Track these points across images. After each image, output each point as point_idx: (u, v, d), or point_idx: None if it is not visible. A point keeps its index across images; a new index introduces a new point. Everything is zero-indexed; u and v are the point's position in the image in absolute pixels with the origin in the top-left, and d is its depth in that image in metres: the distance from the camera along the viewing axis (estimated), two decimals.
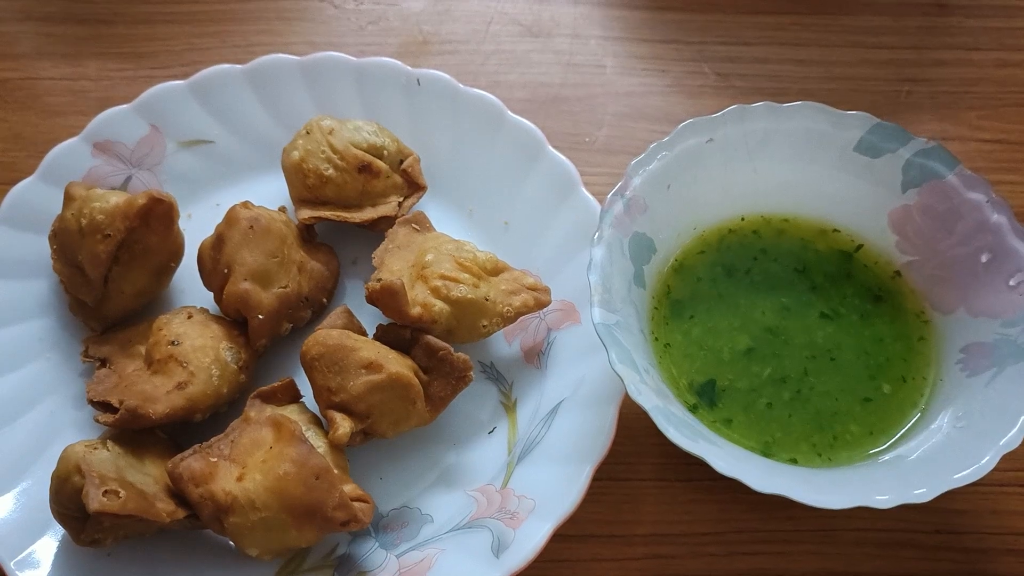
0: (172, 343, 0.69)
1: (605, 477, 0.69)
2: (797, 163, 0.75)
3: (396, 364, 0.68)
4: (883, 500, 0.58)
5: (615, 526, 0.71)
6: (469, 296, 0.71)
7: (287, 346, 0.75)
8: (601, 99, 0.91)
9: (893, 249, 0.75)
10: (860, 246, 0.76)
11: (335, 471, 0.64)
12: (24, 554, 0.64)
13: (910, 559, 0.69)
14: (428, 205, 0.82)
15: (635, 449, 0.73)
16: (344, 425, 0.66)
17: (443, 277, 0.71)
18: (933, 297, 0.73)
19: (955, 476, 0.59)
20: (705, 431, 0.65)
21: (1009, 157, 0.88)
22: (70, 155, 0.81)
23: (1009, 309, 0.67)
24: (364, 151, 0.78)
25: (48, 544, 0.65)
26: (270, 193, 0.82)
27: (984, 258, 0.69)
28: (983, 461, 0.59)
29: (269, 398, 0.70)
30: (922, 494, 0.58)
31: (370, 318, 0.74)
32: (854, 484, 0.62)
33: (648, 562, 0.69)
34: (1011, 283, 0.67)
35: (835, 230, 0.76)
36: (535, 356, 0.75)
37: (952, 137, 0.89)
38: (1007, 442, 0.60)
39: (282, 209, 0.82)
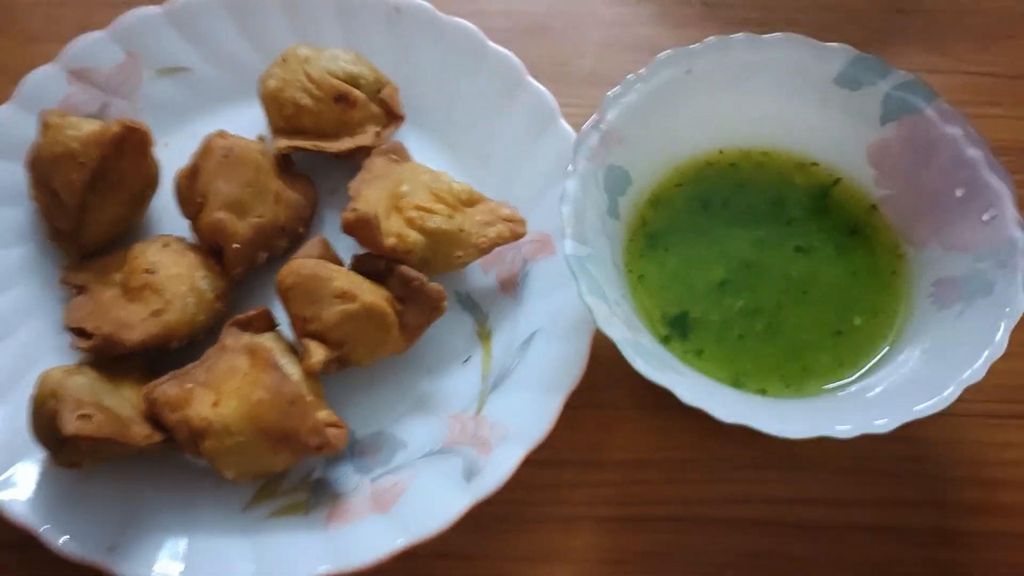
0: (147, 271, 0.69)
1: (580, 404, 0.70)
2: (777, 96, 0.74)
3: (370, 294, 0.68)
4: (844, 430, 0.59)
5: (591, 452, 0.72)
6: (444, 227, 0.71)
7: (264, 275, 0.75)
8: (585, 28, 0.90)
9: (871, 183, 0.75)
10: (838, 180, 0.76)
11: (309, 398, 0.65)
12: (4, 476, 0.65)
13: (879, 486, 0.71)
14: (407, 136, 0.82)
15: (611, 378, 0.73)
16: (318, 353, 0.66)
17: (418, 208, 0.72)
18: (908, 231, 0.73)
19: (916, 408, 0.60)
20: (675, 362, 0.66)
21: (995, 89, 0.87)
22: (46, 82, 0.80)
23: (981, 243, 0.67)
24: (341, 80, 0.77)
25: (28, 467, 0.66)
26: (248, 122, 0.81)
27: (959, 192, 0.69)
28: (944, 393, 0.60)
29: (246, 326, 0.70)
30: (883, 424, 0.59)
31: (347, 248, 0.74)
32: (818, 414, 0.63)
33: (622, 488, 0.71)
34: (984, 218, 0.67)
35: (814, 163, 0.76)
36: (511, 287, 0.76)
37: (940, 70, 0.88)
38: (970, 375, 0.60)
39: (260, 138, 0.82)
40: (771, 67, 0.73)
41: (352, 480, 0.68)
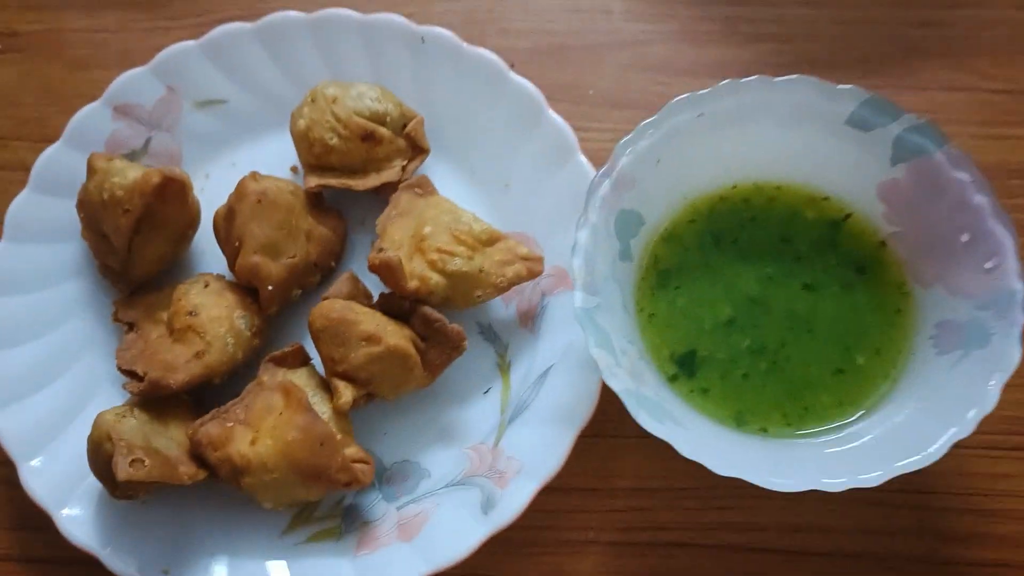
0: (190, 313, 0.74)
1: (591, 434, 0.74)
2: (789, 133, 0.75)
3: (394, 336, 0.73)
4: (834, 484, 0.62)
5: (599, 479, 0.77)
6: (464, 269, 0.75)
7: (299, 307, 0.81)
8: (606, 48, 0.91)
9: (880, 219, 0.76)
10: (849, 215, 0.77)
11: (338, 436, 0.71)
12: (69, 502, 0.73)
13: (873, 515, 0.75)
14: (431, 166, 0.85)
15: (620, 408, 0.77)
16: (346, 394, 0.72)
17: (439, 251, 0.75)
18: (915, 269, 0.75)
19: (900, 463, 0.63)
20: (677, 405, 0.70)
21: (1018, 109, 0.87)
22: (92, 119, 0.85)
23: (983, 291, 0.69)
24: (367, 119, 0.81)
25: (89, 493, 0.74)
26: (283, 151, 0.85)
27: (964, 237, 0.71)
28: (931, 449, 0.63)
29: (281, 362, 0.76)
30: (871, 479, 0.62)
31: (376, 282, 0.78)
32: (811, 463, 0.67)
33: (628, 514, 0.76)
34: (987, 266, 0.69)
35: (825, 198, 0.78)
36: (529, 320, 0.80)
37: (961, 87, 0.88)
38: (957, 432, 0.63)
39: (294, 169, 0.86)
40: (784, 108, 0.74)
41: (380, 508, 0.74)
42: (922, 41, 0.90)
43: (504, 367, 0.79)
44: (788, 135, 0.76)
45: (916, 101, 0.87)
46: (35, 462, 0.74)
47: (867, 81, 0.88)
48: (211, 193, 0.83)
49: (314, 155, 0.81)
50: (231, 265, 0.77)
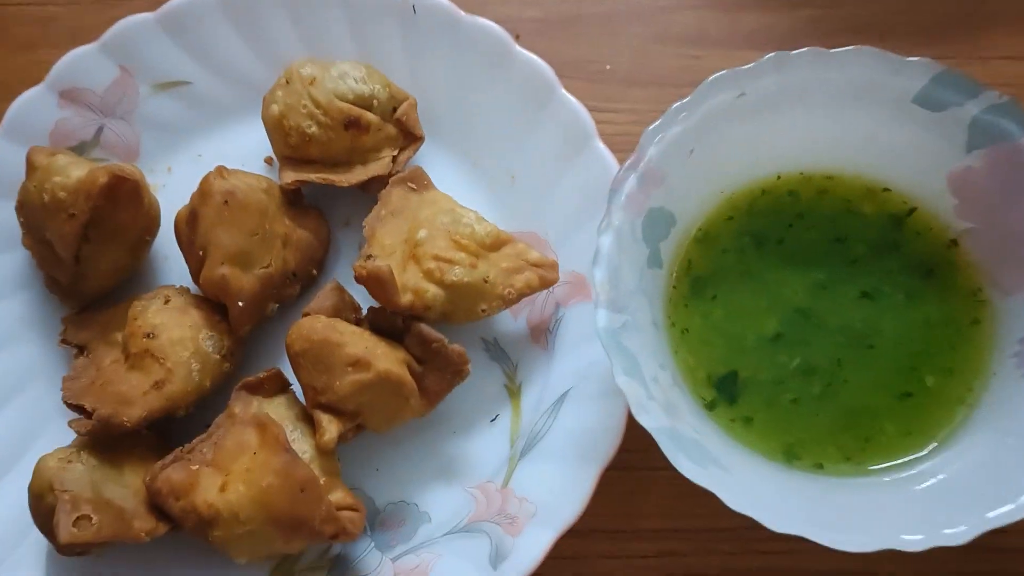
0: (148, 335, 0.64)
1: (612, 467, 0.64)
2: (844, 115, 0.65)
3: (385, 360, 0.62)
4: (913, 541, 0.52)
5: (622, 519, 0.67)
6: (465, 279, 0.65)
7: (276, 324, 0.70)
8: (624, 17, 0.80)
9: (951, 214, 0.65)
10: (913, 209, 0.66)
11: (322, 480, 0.61)
12: (12, 558, 0.63)
13: (937, 558, 0.64)
14: (426, 155, 0.74)
15: (645, 434, 0.67)
16: (331, 429, 0.62)
17: (437, 258, 0.65)
18: (993, 273, 0.64)
19: (991, 514, 0.53)
20: (719, 440, 0.60)
21: None
22: (35, 107, 0.74)
23: None
24: (351, 103, 0.70)
25: (35, 546, 0.64)
26: (255, 141, 0.75)
27: None
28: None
29: (255, 389, 0.66)
30: (956, 534, 0.53)
31: (365, 291, 0.68)
32: (881, 514, 0.57)
33: (656, 559, 0.66)
34: None
35: (885, 189, 0.67)
36: (542, 335, 0.69)
37: None
38: None
39: (268, 161, 0.76)
40: (839, 85, 0.63)
41: (373, 558, 0.64)
42: (986, 5, 0.78)
43: (513, 390, 0.69)
44: (843, 117, 0.65)
45: (982, 73, 0.75)
46: None
47: (924, 52, 0.75)
48: (174, 189, 0.73)
49: (290, 146, 0.70)
50: (195, 277, 0.67)
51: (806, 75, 0.63)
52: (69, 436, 0.65)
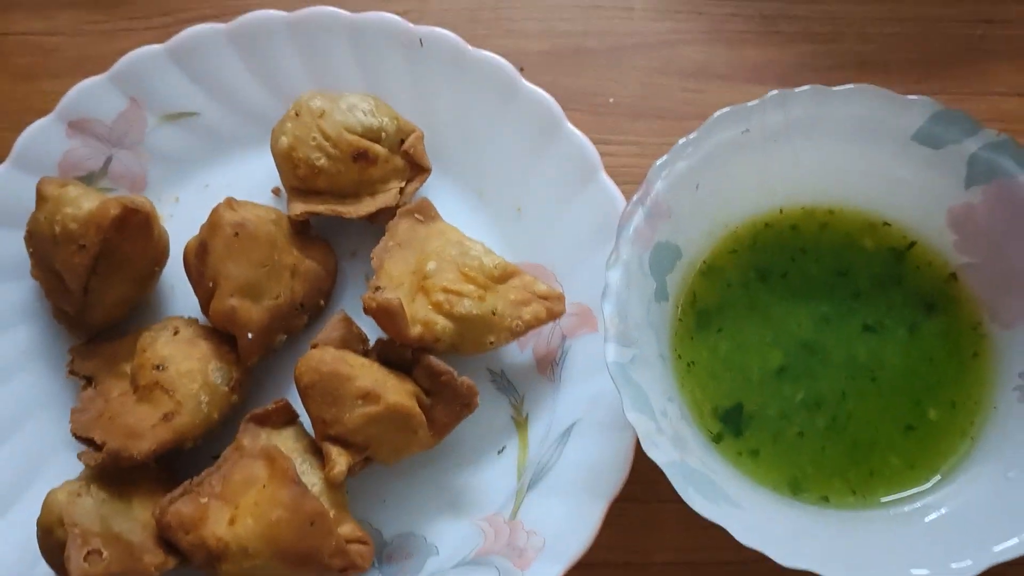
0: (157, 367, 0.64)
1: (621, 499, 0.65)
2: (846, 151, 0.66)
3: (394, 393, 0.63)
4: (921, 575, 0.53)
5: (631, 553, 0.67)
6: (474, 312, 0.65)
7: (284, 355, 0.70)
8: (628, 51, 0.81)
9: (951, 248, 0.66)
10: (913, 243, 0.67)
11: (331, 514, 0.61)
12: None
13: None
14: (433, 187, 0.75)
15: (653, 467, 0.67)
16: (340, 462, 0.62)
17: (446, 290, 0.65)
18: (993, 307, 0.65)
19: (998, 548, 0.53)
20: (724, 479, 0.60)
21: None
22: (44, 137, 0.74)
23: None
24: (359, 135, 0.70)
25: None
26: (262, 171, 0.75)
27: None
28: None
29: (264, 421, 0.66)
30: (964, 569, 0.53)
31: (372, 322, 0.68)
32: (889, 547, 0.57)
33: None
34: None
35: (886, 224, 0.68)
36: (548, 366, 0.70)
37: None
38: None
39: (275, 191, 0.76)
40: (841, 122, 0.64)
41: None
42: (985, 41, 0.79)
43: (520, 422, 0.69)
44: (845, 153, 0.66)
45: (981, 109, 0.77)
46: None
47: (924, 86, 0.78)
48: (181, 220, 0.73)
49: (299, 177, 0.70)
50: (204, 309, 0.67)
51: (808, 112, 0.64)
52: (75, 468, 0.65)
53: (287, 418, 0.66)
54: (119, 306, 0.69)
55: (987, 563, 0.53)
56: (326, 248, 0.73)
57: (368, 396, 0.62)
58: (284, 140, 0.70)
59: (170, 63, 0.76)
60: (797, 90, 0.63)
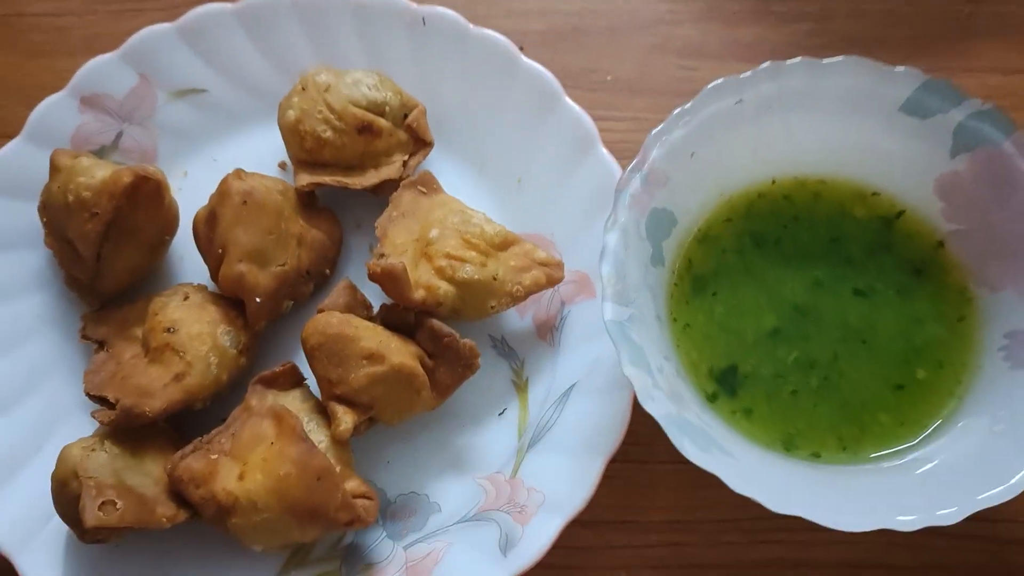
0: (168, 330, 0.66)
1: (619, 459, 0.66)
2: (836, 122, 0.68)
3: (398, 354, 0.65)
4: (907, 521, 0.55)
5: (629, 511, 0.69)
6: (476, 276, 0.67)
7: (290, 321, 0.72)
8: (625, 29, 0.83)
9: (938, 216, 0.68)
10: (902, 212, 0.69)
11: (337, 469, 0.62)
12: (30, 547, 0.64)
13: (938, 549, 0.67)
14: (435, 160, 0.77)
15: (650, 429, 0.68)
16: (346, 420, 0.63)
17: (448, 256, 0.67)
18: (979, 272, 0.67)
19: (981, 496, 0.55)
20: (722, 431, 0.62)
21: None
22: (56, 112, 0.76)
23: None
24: (364, 109, 0.72)
25: (55, 535, 0.65)
26: (269, 146, 0.78)
27: None
28: (1013, 480, 0.55)
29: (271, 383, 0.68)
30: (948, 515, 0.55)
31: (377, 291, 0.70)
32: (877, 496, 0.59)
33: (664, 549, 0.68)
34: None
35: (875, 193, 0.70)
36: (548, 332, 0.72)
37: (1018, 69, 0.80)
38: None
39: (282, 165, 0.78)
40: (831, 93, 0.66)
41: (385, 547, 0.66)
42: (973, 19, 0.82)
43: (521, 385, 0.71)
44: (835, 123, 0.68)
45: (968, 85, 0.77)
46: None
47: (914, 63, 0.79)
48: (190, 193, 0.75)
49: (305, 150, 0.72)
50: (214, 275, 0.69)
51: (799, 83, 0.66)
52: (86, 430, 0.67)
53: (294, 380, 0.68)
54: (130, 273, 0.71)
55: (971, 509, 0.55)
56: (332, 219, 0.75)
57: (373, 357, 0.64)
58: (291, 113, 0.72)
59: (179, 41, 0.78)
60: (789, 62, 0.65)
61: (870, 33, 0.81)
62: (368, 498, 0.63)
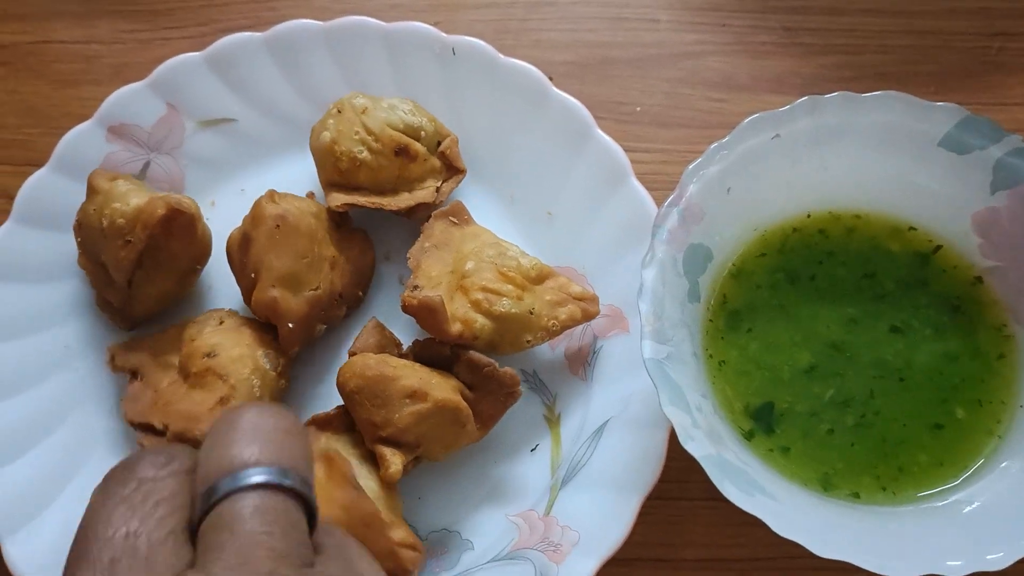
0: (208, 355, 0.65)
1: (653, 496, 0.66)
2: (873, 157, 0.67)
3: (440, 389, 0.64)
4: (956, 567, 0.54)
5: (663, 549, 0.68)
6: (513, 311, 0.66)
7: (324, 343, 0.72)
8: (653, 61, 0.83)
9: (975, 252, 0.68)
10: (939, 247, 0.69)
11: (384, 516, 0.61)
12: None
13: None
14: (466, 190, 0.76)
15: (685, 465, 0.68)
16: (395, 462, 0.62)
17: (484, 290, 0.67)
18: (1018, 309, 0.67)
19: None
20: (761, 470, 0.61)
21: None
22: (84, 141, 0.75)
23: None
24: (401, 132, 0.72)
25: None
26: (297, 176, 0.77)
27: None
28: None
29: (325, 426, 0.67)
30: (997, 559, 0.54)
31: (404, 325, 0.70)
32: (921, 540, 0.58)
33: None
34: None
35: (911, 228, 0.70)
36: (580, 366, 0.71)
37: None
38: None
39: (310, 195, 0.77)
40: (868, 128, 0.66)
41: None
42: (1001, 54, 0.81)
43: (553, 420, 0.70)
44: (871, 158, 0.68)
45: (999, 119, 0.77)
46: (20, 536, 0.65)
47: (942, 98, 0.79)
48: (218, 223, 0.74)
49: (340, 171, 0.71)
50: (247, 299, 0.68)
51: (837, 118, 0.66)
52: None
53: (348, 423, 0.67)
54: (160, 300, 0.71)
55: (1015, 557, 0.54)
56: (365, 240, 0.74)
57: (415, 394, 0.63)
58: (326, 135, 0.71)
59: (208, 70, 0.78)
60: (827, 96, 0.65)
61: (898, 68, 0.81)
62: (414, 549, 0.62)
